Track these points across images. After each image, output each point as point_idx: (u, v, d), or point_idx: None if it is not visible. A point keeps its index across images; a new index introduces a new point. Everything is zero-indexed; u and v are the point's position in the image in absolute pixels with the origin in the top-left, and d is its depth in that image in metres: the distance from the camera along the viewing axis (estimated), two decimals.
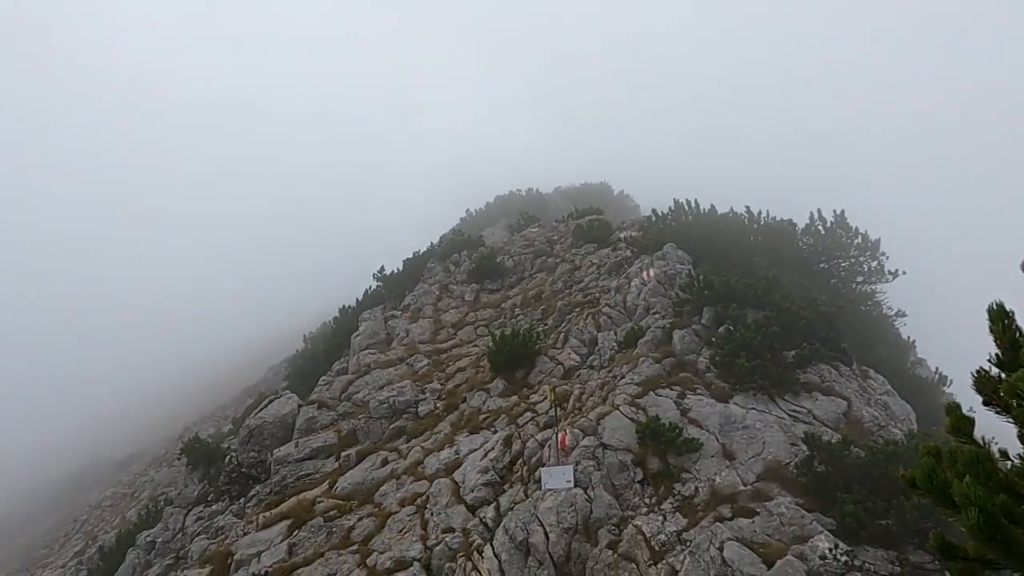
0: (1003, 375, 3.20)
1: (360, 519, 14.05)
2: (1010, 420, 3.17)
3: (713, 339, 15.25)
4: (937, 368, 19.47)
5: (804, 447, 12.13)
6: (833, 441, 11.75)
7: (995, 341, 3.25)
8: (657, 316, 17.55)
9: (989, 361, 3.32)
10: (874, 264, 23.22)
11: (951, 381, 19.22)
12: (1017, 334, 3.12)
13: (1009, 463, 3.35)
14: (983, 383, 3.30)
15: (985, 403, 3.36)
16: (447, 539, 12.26)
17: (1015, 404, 3.05)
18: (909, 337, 21.71)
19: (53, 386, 75.62)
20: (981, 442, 3.32)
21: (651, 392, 14.18)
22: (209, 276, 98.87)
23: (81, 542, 32.72)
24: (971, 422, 3.37)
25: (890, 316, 23.25)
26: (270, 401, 22.06)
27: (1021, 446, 3.33)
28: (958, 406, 3.47)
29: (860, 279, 23.39)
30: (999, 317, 3.14)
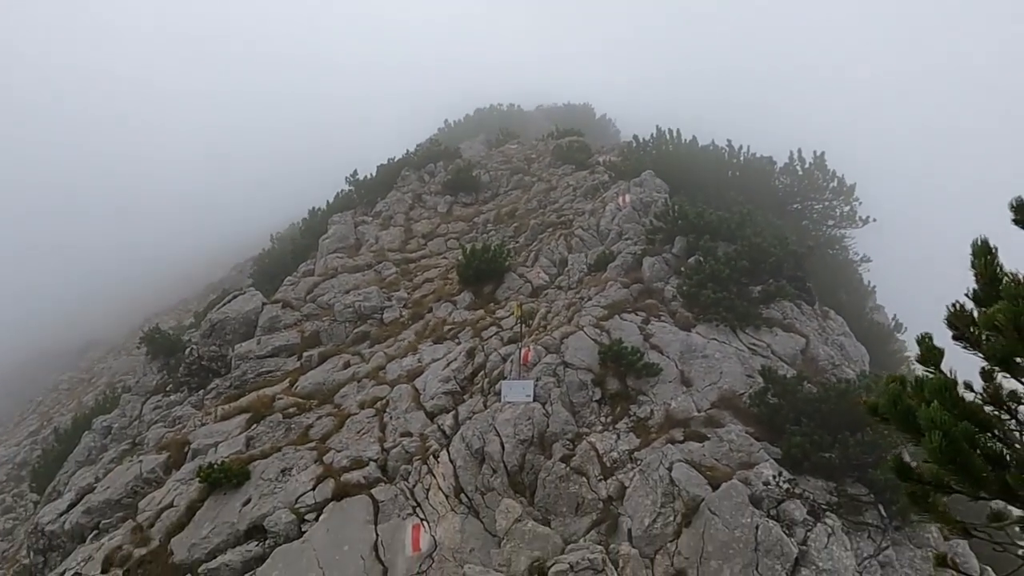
0: (977, 310, 3.23)
1: (319, 418, 14.19)
2: (978, 354, 3.22)
3: (682, 269, 15.35)
4: (895, 315, 19.96)
5: (760, 379, 12.43)
6: (788, 376, 12.06)
7: (975, 276, 3.26)
8: (629, 242, 17.56)
9: (966, 295, 3.35)
10: (847, 209, 23.36)
11: (906, 328, 19.74)
12: (998, 270, 3.13)
13: (972, 395, 3.42)
14: (957, 318, 3.33)
15: (955, 338, 3.41)
16: (404, 442, 12.47)
17: (987, 338, 3.10)
18: (871, 283, 22.12)
19: (12, 270, 73.90)
20: (948, 373, 3.37)
21: (616, 316, 14.32)
22: (177, 168, 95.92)
23: (36, 422, 32.81)
24: (940, 353, 3.43)
25: (855, 261, 23.62)
26: (234, 297, 21.85)
27: (982, 382, 3.41)
28: (930, 336, 3.51)
29: (831, 223, 23.58)
30: (982, 252, 3.14)
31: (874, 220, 22.89)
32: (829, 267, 20.49)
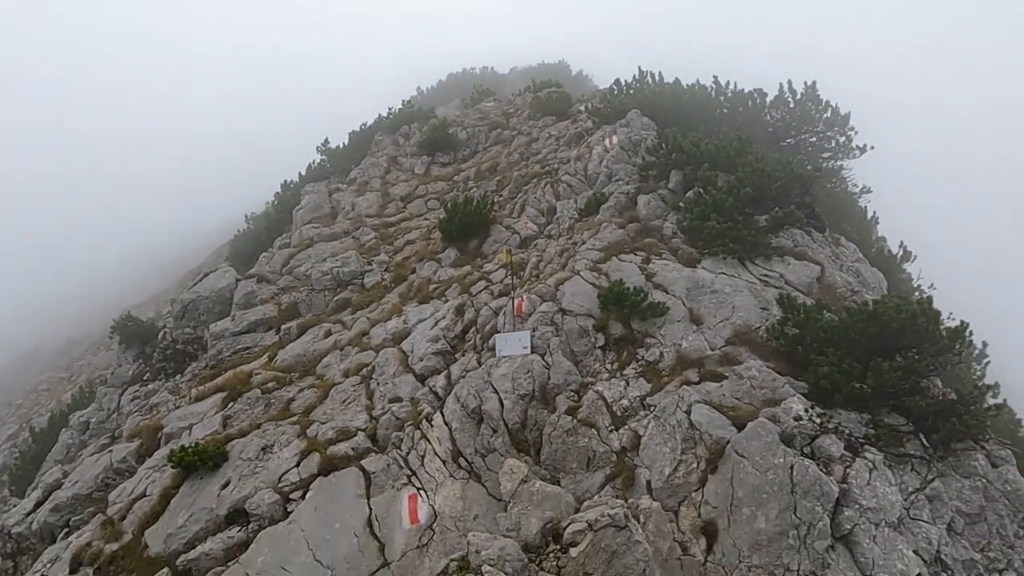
0: None
1: (301, 391, 13.10)
2: None
3: (680, 204, 14.24)
4: (902, 242, 18.96)
5: (775, 311, 11.42)
6: (808, 304, 11.04)
7: None
8: (621, 182, 16.39)
9: None
10: (842, 139, 22.32)
11: (915, 256, 18.80)
12: None
13: None
14: None
15: None
16: (394, 408, 11.40)
17: None
18: (875, 213, 21.13)
19: None
20: None
21: (614, 257, 13.22)
22: (150, 158, 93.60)
23: (16, 425, 31.54)
24: None
25: (855, 193, 22.64)
26: (205, 275, 20.60)
27: None
28: None
29: (827, 154, 22.53)
30: None
31: (871, 148, 21.88)
32: (830, 199, 19.45)
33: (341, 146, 30.06)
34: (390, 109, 31.63)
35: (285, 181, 29.00)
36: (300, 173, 29.39)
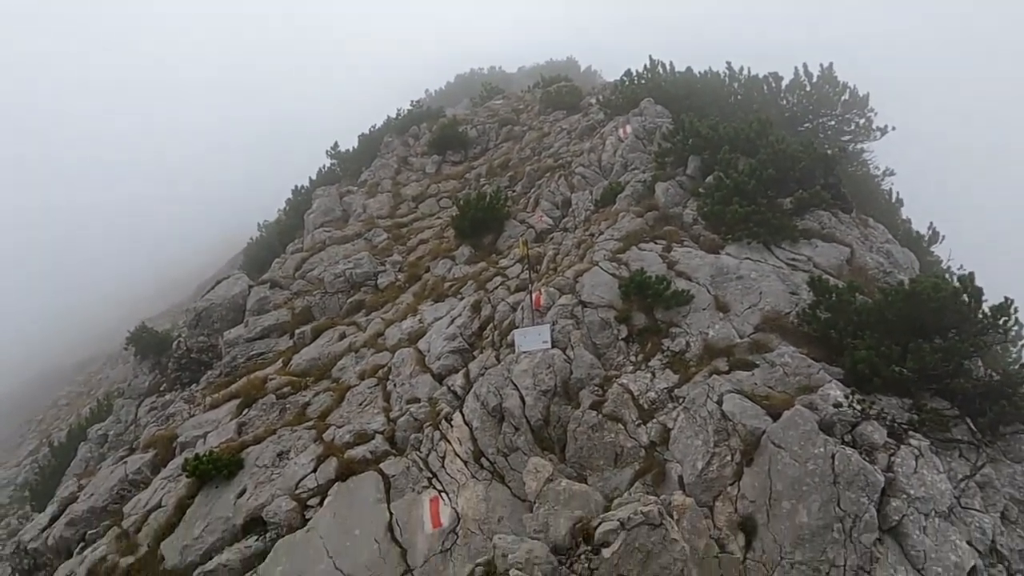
0: None
1: (316, 395, 12.79)
2: None
3: (700, 190, 13.77)
4: (931, 223, 18.37)
5: (804, 296, 10.94)
6: (840, 286, 10.54)
7: None
8: (637, 171, 15.95)
9: None
10: (862, 121, 21.75)
11: (943, 237, 18.20)
12: None
13: None
14: None
15: None
16: (412, 409, 11.05)
17: None
18: (898, 195, 20.52)
19: (7, 291, 72.49)
20: None
21: (633, 247, 12.77)
22: (161, 174, 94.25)
23: (36, 441, 31.55)
24: None
25: (877, 176, 22.05)
26: (218, 283, 20.39)
27: None
28: None
29: (847, 137, 21.95)
30: None
31: (893, 129, 21.30)
32: (853, 181, 18.87)
33: (351, 149, 29.86)
34: (399, 110, 31.40)
35: (296, 186, 28.82)
36: (311, 178, 29.22)
